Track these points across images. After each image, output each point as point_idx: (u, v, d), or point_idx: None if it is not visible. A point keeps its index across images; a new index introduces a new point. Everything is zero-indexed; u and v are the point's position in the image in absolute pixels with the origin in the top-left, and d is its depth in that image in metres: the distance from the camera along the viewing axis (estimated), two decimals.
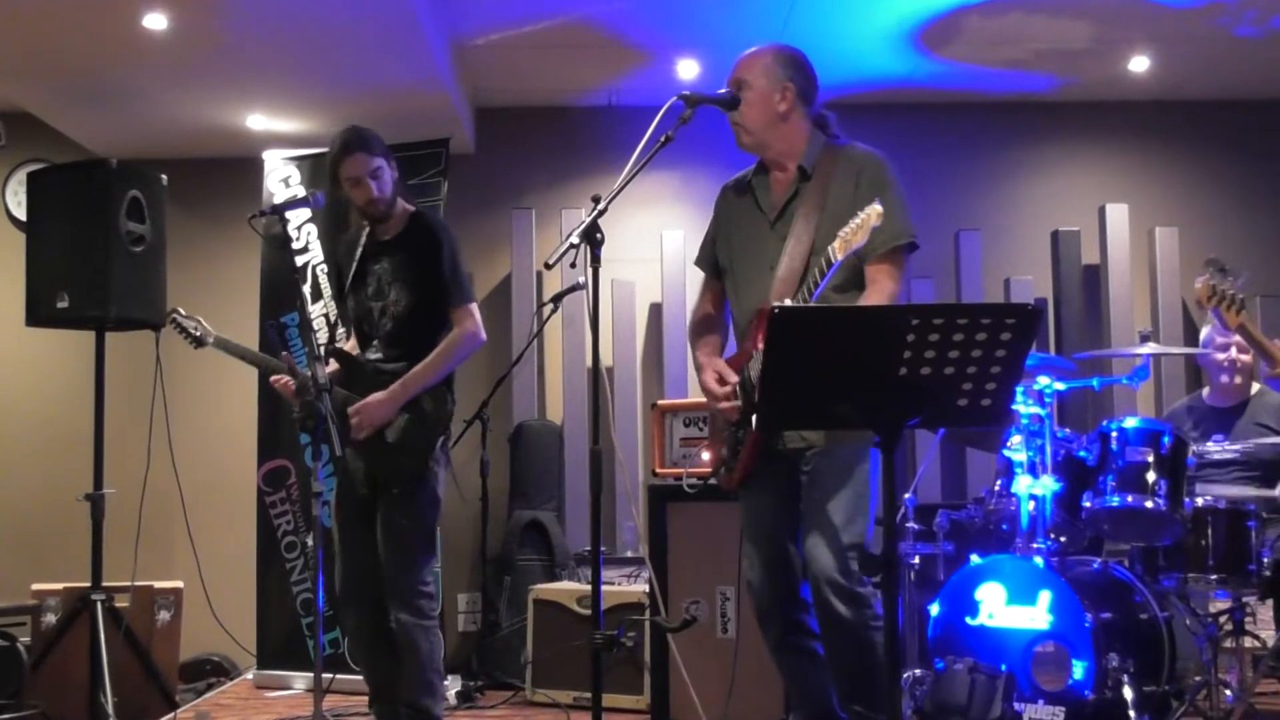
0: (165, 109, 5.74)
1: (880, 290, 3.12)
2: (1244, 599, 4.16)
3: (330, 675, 4.68)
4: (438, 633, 3.79)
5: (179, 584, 4.91)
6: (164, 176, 4.48)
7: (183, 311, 3.94)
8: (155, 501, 4.42)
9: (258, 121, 5.93)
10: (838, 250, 2.89)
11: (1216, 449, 4.31)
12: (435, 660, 3.74)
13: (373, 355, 3.80)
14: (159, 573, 4.84)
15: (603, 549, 5.13)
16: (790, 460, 3.20)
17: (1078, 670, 3.65)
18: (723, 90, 3.21)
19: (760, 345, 2.69)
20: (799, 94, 3.23)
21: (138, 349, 4.36)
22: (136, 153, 5.97)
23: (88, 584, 4.24)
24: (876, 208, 2.84)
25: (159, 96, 5.60)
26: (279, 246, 5.42)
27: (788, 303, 3.02)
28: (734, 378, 3.16)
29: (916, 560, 4.48)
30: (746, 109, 3.21)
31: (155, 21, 4.75)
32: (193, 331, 3.88)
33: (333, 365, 3.81)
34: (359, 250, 3.85)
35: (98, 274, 4.18)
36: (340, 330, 3.98)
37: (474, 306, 3.79)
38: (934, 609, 3.97)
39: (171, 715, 4.35)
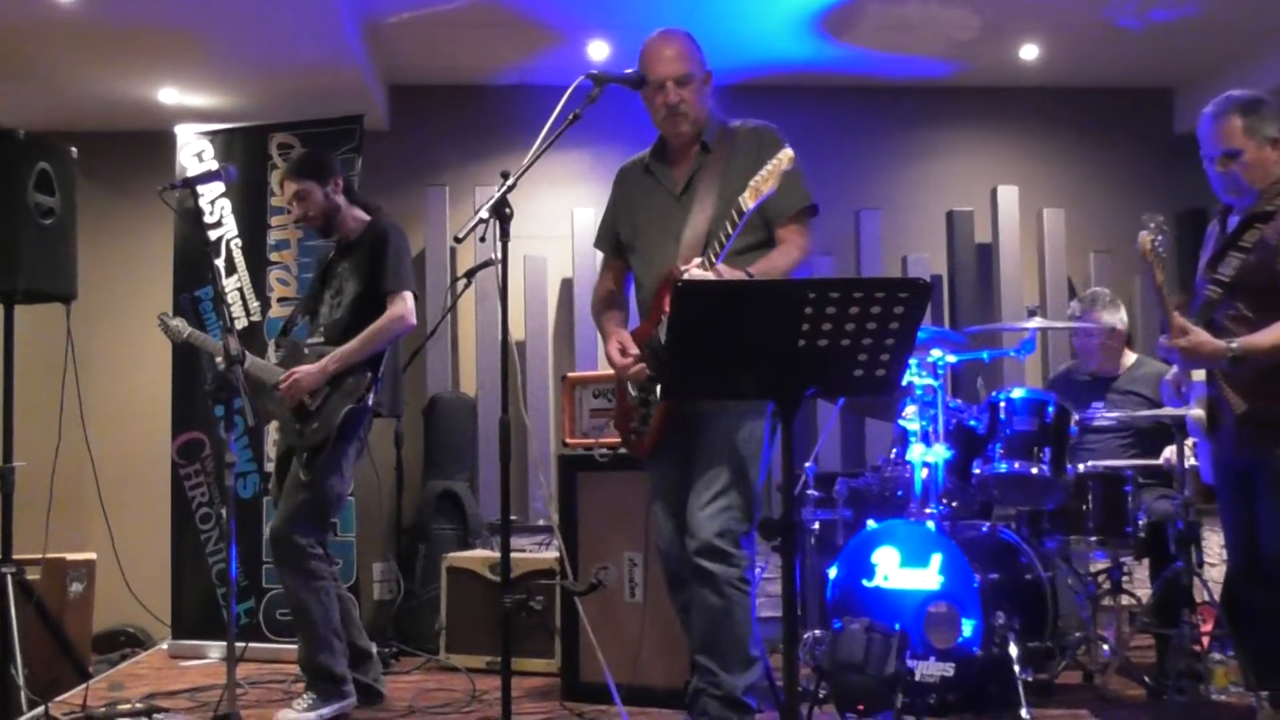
0: (75, 82, 5.68)
1: (794, 246, 3.25)
2: (1121, 559, 4.42)
3: (244, 644, 4.74)
4: (331, 593, 3.97)
5: (92, 556, 4.89)
6: (74, 149, 4.44)
7: (169, 314, 4.36)
8: (68, 474, 4.39)
9: (170, 95, 5.88)
10: (748, 199, 3.00)
11: (1099, 418, 4.53)
12: (331, 619, 3.94)
13: (314, 340, 4.09)
14: (72, 545, 4.83)
15: (515, 517, 5.24)
16: (694, 425, 3.29)
17: (966, 628, 3.83)
18: (630, 70, 3.30)
19: (668, 309, 2.75)
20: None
21: (48, 321, 4.35)
22: (45, 125, 5.88)
23: None
24: (788, 152, 2.97)
25: (68, 69, 5.54)
26: (192, 220, 5.41)
27: (694, 269, 3.07)
28: (635, 349, 3.28)
29: (817, 526, 4.64)
30: (694, 97, 3.29)
31: None
32: (176, 331, 4.19)
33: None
34: (330, 256, 4.24)
35: (6, 247, 4.12)
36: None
37: (409, 295, 4.02)
38: (832, 572, 4.12)
39: (84, 686, 4.33)
